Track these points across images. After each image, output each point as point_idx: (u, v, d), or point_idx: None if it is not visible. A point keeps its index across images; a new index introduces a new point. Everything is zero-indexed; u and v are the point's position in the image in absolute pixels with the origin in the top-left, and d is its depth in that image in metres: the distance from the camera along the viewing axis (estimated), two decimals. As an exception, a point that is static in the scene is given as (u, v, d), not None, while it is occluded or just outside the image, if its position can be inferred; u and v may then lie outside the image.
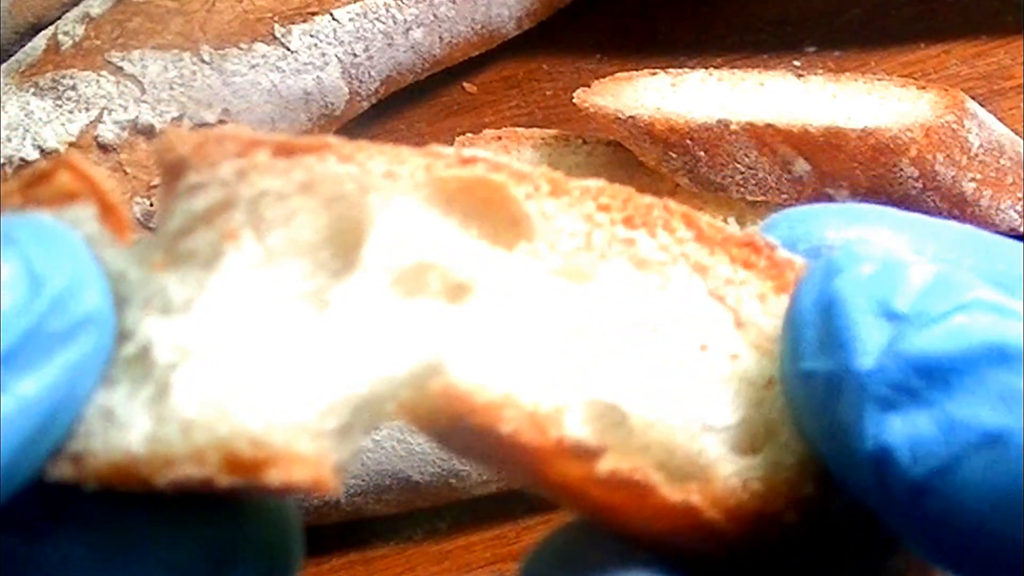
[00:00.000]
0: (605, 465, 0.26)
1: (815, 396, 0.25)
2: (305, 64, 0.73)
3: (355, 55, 0.74)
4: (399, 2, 0.74)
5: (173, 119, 0.69)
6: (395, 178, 0.27)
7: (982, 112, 0.67)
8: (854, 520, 0.27)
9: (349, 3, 0.73)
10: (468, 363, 0.27)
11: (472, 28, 0.78)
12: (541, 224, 0.28)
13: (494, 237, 0.29)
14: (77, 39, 0.71)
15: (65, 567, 0.28)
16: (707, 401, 0.28)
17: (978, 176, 0.65)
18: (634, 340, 0.28)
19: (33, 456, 0.26)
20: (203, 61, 0.71)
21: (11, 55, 0.74)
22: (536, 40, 0.82)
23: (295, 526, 0.30)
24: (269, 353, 0.27)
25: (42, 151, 0.67)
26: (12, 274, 0.25)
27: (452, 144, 0.76)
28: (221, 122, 0.71)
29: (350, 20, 0.73)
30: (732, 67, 0.76)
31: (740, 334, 0.29)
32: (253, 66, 0.72)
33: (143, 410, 0.27)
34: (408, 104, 0.80)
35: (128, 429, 0.26)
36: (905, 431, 0.23)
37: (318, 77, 0.73)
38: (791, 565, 0.27)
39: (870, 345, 0.24)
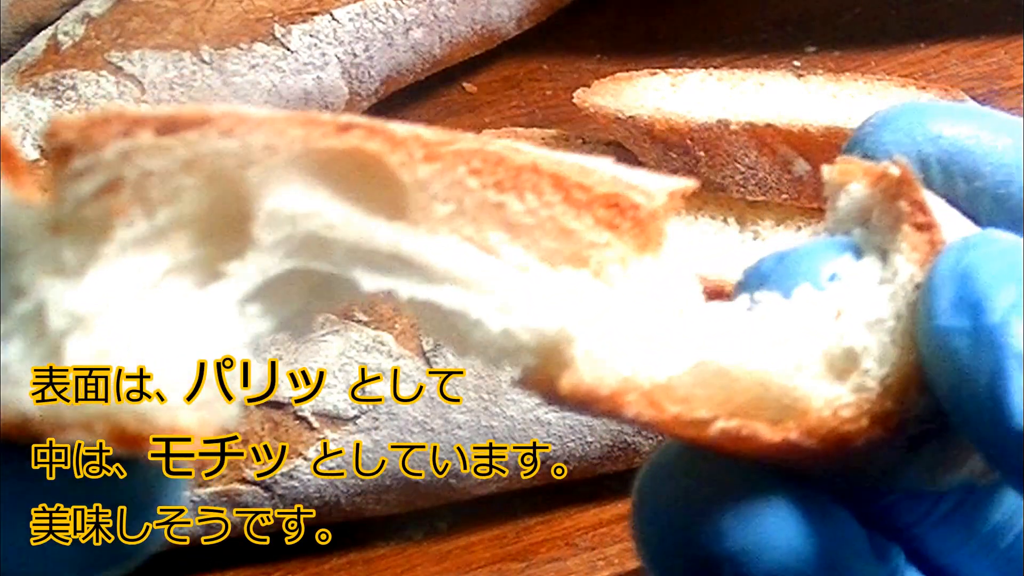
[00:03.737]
0: (716, 427, 0.30)
1: (945, 348, 0.28)
2: (305, 64, 0.73)
3: (355, 55, 0.74)
4: (399, 2, 0.74)
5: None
6: (274, 151, 0.28)
7: (982, 112, 0.67)
8: (927, 420, 0.31)
9: (349, 3, 0.73)
10: (591, 351, 0.29)
11: (472, 28, 0.78)
12: (415, 192, 0.29)
13: (374, 204, 0.30)
14: (77, 39, 0.71)
15: None
16: (797, 342, 0.31)
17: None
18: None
19: None
20: (203, 61, 0.71)
21: (11, 55, 0.74)
22: (536, 40, 0.82)
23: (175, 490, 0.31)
24: (156, 325, 0.28)
25: (42, 151, 0.67)
26: None
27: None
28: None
29: (350, 20, 0.73)
30: (732, 67, 0.76)
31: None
32: (253, 66, 0.72)
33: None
34: (408, 104, 0.80)
35: (21, 388, 0.27)
36: (1019, 382, 0.27)
37: (318, 77, 0.73)
38: (873, 459, 0.31)
39: (998, 304, 0.27)
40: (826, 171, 0.33)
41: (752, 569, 0.30)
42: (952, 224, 0.32)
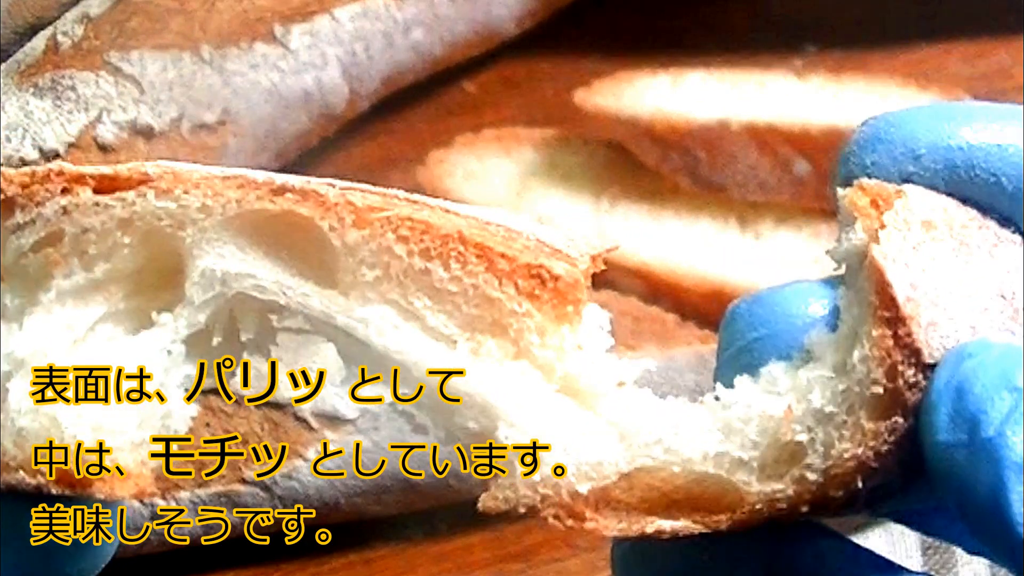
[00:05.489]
0: (632, 533, 0.31)
1: (947, 462, 0.29)
2: (305, 64, 0.73)
3: (355, 55, 0.74)
4: (399, 2, 0.74)
5: (172, 119, 0.69)
6: (209, 212, 0.30)
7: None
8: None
9: (349, 3, 0.73)
10: (512, 468, 0.32)
11: (472, 28, 0.78)
12: (344, 256, 0.31)
13: (305, 267, 0.31)
14: (76, 39, 0.71)
15: None
16: (731, 439, 0.31)
17: (978, 176, 0.65)
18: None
19: None
20: (203, 61, 0.71)
21: (11, 55, 0.74)
22: (536, 40, 0.81)
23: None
24: (97, 372, 0.30)
25: (41, 151, 0.67)
26: None
27: (452, 144, 0.76)
28: (220, 123, 0.71)
29: (350, 20, 0.73)
30: (732, 67, 0.76)
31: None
32: (253, 66, 0.71)
33: None
34: (408, 104, 0.80)
35: None
36: (1019, 491, 0.27)
37: (318, 77, 0.73)
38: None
39: (993, 416, 0.28)
40: (840, 194, 0.33)
41: None
42: (957, 214, 0.32)
